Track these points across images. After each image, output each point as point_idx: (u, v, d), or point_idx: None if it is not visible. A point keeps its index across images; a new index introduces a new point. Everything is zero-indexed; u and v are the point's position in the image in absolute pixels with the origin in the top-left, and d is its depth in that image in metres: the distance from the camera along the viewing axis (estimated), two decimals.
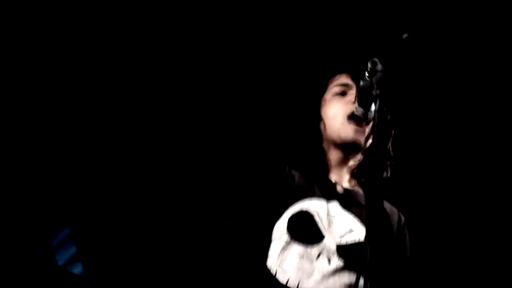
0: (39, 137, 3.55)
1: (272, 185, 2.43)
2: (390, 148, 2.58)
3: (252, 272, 2.32)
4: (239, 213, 2.45)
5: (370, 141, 2.47)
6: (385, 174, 2.54)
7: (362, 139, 2.47)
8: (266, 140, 3.44)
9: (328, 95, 2.61)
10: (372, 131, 2.06)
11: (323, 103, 2.61)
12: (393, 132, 2.59)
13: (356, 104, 2.18)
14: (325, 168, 2.54)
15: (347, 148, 2.51)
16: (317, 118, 2.58)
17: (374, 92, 1.92)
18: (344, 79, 2.59)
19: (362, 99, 2.07)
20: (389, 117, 2.52)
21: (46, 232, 3.49)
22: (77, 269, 3.47)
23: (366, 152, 2.51)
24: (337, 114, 2.52)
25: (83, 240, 3.55)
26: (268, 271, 2.30)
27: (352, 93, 2.51)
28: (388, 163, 2.56)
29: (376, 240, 1.79)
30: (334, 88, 2.59)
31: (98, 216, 3.59)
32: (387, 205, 2.56)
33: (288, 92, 3.32)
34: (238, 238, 2.41)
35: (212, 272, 2.44)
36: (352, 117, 2.45)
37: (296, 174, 2.48)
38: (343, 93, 2.56)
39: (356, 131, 2.46)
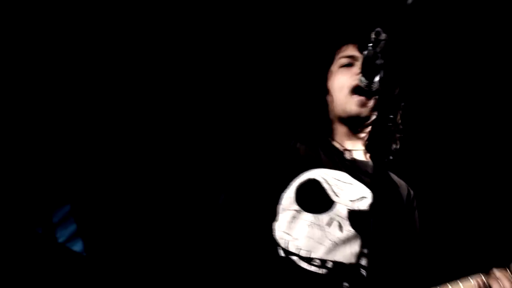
0: (39, 118, 3.52)
1: (277, 157, 2.42)
2: (400, 121, 2.57)
3: (260, 245, 2.30)
4: (241, 186, 2.42)
5: (376, 113, 2.37)
6: (394, 146, 2.54)
7: (366, 113, 2.45)
8: (272, 114, 3.38)
9: (335, 67, 2.59)
10: (377, 103, 1.98)
11: (329, 75, 2.59)
12: (402, 104, 2.57)
13: (360, 75, 2.12)
14: (333, 138, 2.54)
15: (352, 121, 2.50)
16: (324, 90, 2.57)
17: (378, 62, 1.89)
18: (350, 50, 2.56)
19: (367, 70, 2.02)
20: (397, 88, 2.53)
21: (46, 209, 3.45)
22: (78, 247, 3.43)
23: (374, 123, 2.46)
24: (342, 86, 2.50)
25: (83, 217, 3.51)
26: (276, 243, 2.28)
27: (359, 65, 2.42)
28: (397, 135, 2.56)
29: (382, 209, 1.76)
30: (340, 59, 2.56)
31: (98, 194, 3.55)
32: (396, 178, 2.57)
33: (295, 64, 3.26)
34: (238, 211, 2.38)
35: (213, 248, 2.37)
36: (357, 90, 2.44)
37: (302, 146, 2.47)
38: (349, 65, 2.53)
39: (361, 105, 2.44)
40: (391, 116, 2.49)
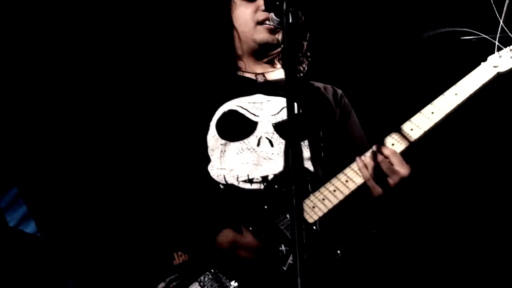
0: None
1: (189, 106, 2.44)
2: (306, 51, 2.63)
3: (202, 194, 2.32)
4: (165, 147, 2.44)
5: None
6: (302, 67, 2.62)
7: (277, 37, 2.49)
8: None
9: None
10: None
11: (232, 6, 2.58)
12: (308, 34, 2.65)
13: (272, 14, 2.14)
14: (242, 71, 2.57)
15: (264, 48, 2.53)
16: (229, 24, 2.56)
17: None
18: None
19: (268, 3, 2.00)
20: (301, 18, 2.54)
21: None
22: (30, 228, 3.40)
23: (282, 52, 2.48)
24: (247, 21, 2.51)
25: (33, 197, 3.46)
26: (215, 182, 2.32)
27: None
28: (305, 61, 2.64)
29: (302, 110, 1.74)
30: None
31: (46, 171, 3.49)
32: (319, 84, 2.63)
33: None
34: (173, 173, 2.39)
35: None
36: (262, 21, 2.47)
37: (209, 87, 2.49)
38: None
39: (270, 32, 2.48)
40: (300, 47, 2.57)
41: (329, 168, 2.37)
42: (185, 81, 2.59)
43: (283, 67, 2.47)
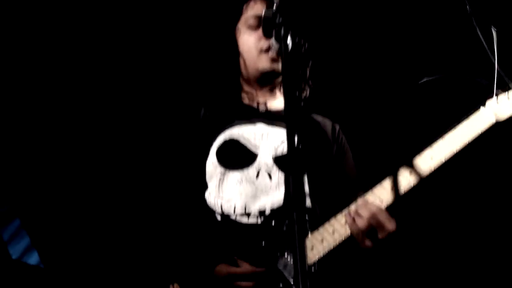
0: None
1: (190, 131, 2.44)
2: (309, 78, 2.63)
3: (198, 220, 2.33)
4: (164, 172, 2.44)
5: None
6: (304, 94, 2.60)
7: (279, 66, 2.46)
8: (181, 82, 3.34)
9: (242, 25, 2.57)
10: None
11: (237, 32, 2.58)
12: (310, 61, 2.65)
13: (273, 39, 2.07)
14: (244, 99, 2.56)
15: (267, 77, 2.53)
16: (235, 51, 2.56)
17: (277, 21, 1.86)
18: (258, 8, 2.54)
19: (267, 29, 1.97)
20: (304, 46, 2.54)
21: None
22: (33, 259, 3.37)
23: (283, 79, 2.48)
24: (250, 49, 2.51)
25: (36, 228, 3.44)
26: (212, 210, 2.32)
27: None
28: (307, 88, 2.62)
29: (302, 145, 1.76)
30: (248, 19, 2.55)
31: (48, 201, 3.47)
32: (319, 118, 2.64)
33: (203, 23, 3.18)
34: (170, 196, 2.39)
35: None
36: (266, 49, 2.47)
37: (213, 113, 2.49)
38: (256, 26, 2.52)
39: (272, 60, 2.48)
40: (303, 74, 2.57)
41: (325, 205, 2.39)
42: (187, 104, 2.59)
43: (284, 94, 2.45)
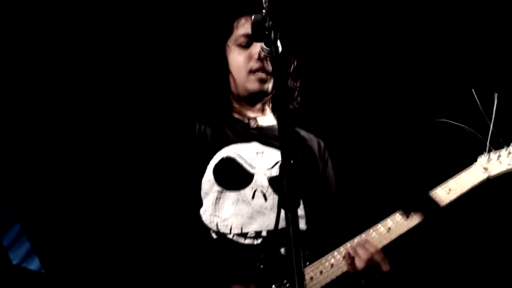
0: None
1: (185, 148, 2.43)
2: (292, 81, 2.63)
3: (192, 236, 2.33)
4: (158, 186, 2.42)
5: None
6: (292, 105, 2.60)
7: (268, 86, 2.51)
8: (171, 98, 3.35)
9: (232, 42, 2.56)
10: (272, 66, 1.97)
11: (227, 50, 2.57)
12: (295, 62, 2.65)
13: (262, 44, 2.09)
14: (235, 112, 2.56)
15: (254, 97, 2.54)
16: (225, 67, 2.55)
17: (267, 25, 1.85)
18: (248, 27, 2.50)
19: (256, 34, 1.95)
20: (294, 61, 2.53)
21: None
22: (34, 264, 3.36)
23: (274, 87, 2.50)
24: (239, 68, 2.51)
25: (36, 233, 3.42)
26: (207, 228, 2.32)
27: (256, 44, 2.46)
28: (295, 94, 2.63)
29: (294, 168, 1.76)
30: (238, 38, 2.54)
31: (48, 205, 3.46)
32: (304, 133, 2.66)
33: (192, 38, 3.16)
34: (164, 210, 2.38)
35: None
36: (255, 69, 2.47)
37: (207, 128, 2.49)
38: (246, 45, 2.52)
39: (261, 81, 2.48)
40: (290, 86, 2.58)
41: (318, 225, 2.44)
42: (181, 117, 2.56)
43: (273, 109, 2.58)
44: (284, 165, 1.65)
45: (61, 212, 3.41)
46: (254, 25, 1.88)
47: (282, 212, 2.22)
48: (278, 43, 1.83)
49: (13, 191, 3.43)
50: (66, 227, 3.39)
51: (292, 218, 1.62)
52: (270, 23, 1.83)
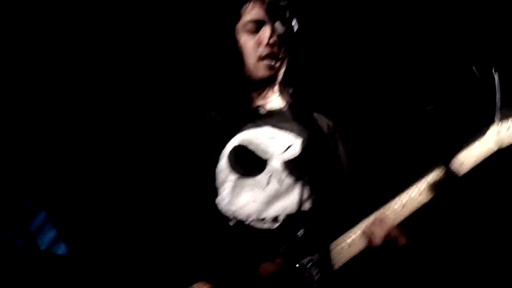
0: None
1: (198, 135, 2.44)
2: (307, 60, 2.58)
3: (210, 226, 2.35)
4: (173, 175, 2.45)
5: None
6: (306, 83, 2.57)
7: (277, 72, 2.51)
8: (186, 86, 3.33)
9: (241, 28, 2.54)
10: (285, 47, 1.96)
11: (237, 33, 2.55)
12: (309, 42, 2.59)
13: (278, 23, 2.15)
14: (244, 99, 2.56)
15: (262, 83, 2.54)
16: (236, 51, 2.52)
17: (282, 3, 1.91)
18: (255, 12, 2.49)
19: (272, 13, 1.94)
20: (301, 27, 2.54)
21: (21, 220, 3.45)
22: (61, 250, 3.45)
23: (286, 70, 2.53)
24: (249, 54, 2.50)
25: (62, 220, 3.51)
26: (225, 217, 2.34)
27: (265, 30, 2.46)
28: (308, 73, 2.59)
29: (308, 150, 1.77)
30: (246, 24, 2.52)
31: (72, 192, 3.54)
32: (315, 115, 2.63)
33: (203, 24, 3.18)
34: (180, 202, 2.41)
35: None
36: (264, 56, 2.47)
37: (218, 116, 2.50)
38: (255, 31, 2.50)
39: (270, 68, 2.48)
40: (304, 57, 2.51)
41: (332, 205, 2.44)
42: (193, 104, 2.59)
43: (281, 91, 2.57)
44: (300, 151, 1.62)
45: (86, 199, 3.49)
46: (269, 4, 1.89)
47: (300, 194, 2.32)
48: (294, 22, 1.83)
49: (38, 179, 3.52)
50: (91, 213, 3.46)
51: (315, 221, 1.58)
52: (285, 2, 1.84)
